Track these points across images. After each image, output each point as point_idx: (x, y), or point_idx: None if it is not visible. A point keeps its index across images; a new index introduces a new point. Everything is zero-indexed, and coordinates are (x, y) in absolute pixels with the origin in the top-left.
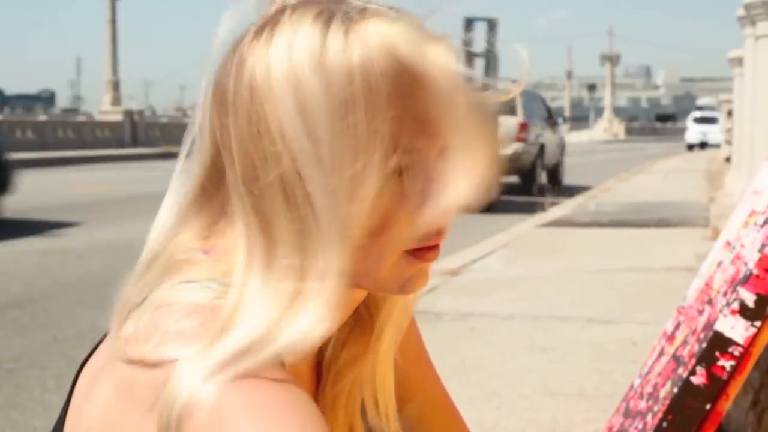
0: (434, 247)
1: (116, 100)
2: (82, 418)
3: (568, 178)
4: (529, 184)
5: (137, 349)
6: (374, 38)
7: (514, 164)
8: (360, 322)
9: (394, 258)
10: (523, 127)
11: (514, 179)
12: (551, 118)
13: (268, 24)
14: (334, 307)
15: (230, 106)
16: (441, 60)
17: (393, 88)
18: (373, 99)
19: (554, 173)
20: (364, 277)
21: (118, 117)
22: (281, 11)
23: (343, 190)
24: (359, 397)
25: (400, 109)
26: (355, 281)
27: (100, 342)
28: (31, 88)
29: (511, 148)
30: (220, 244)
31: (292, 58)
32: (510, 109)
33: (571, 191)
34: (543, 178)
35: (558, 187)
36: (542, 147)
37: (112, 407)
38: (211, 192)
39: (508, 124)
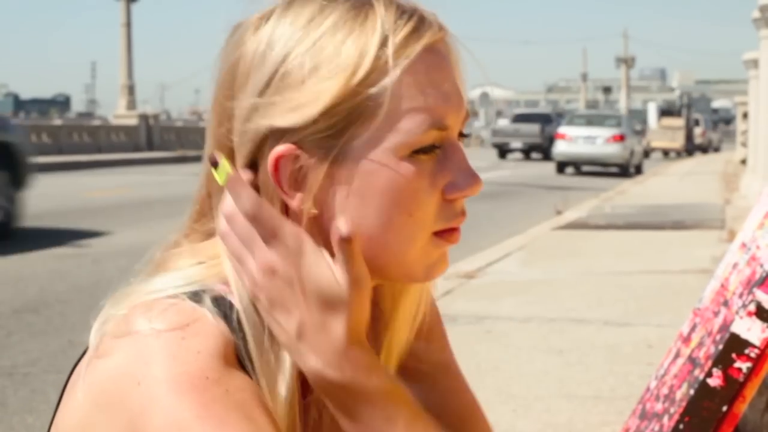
0: (457, 229)
1: (131, 104)
2: (63, 420)
3: (583, 183)
4: (625, 170)
5: (109, 352)
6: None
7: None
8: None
9: (424, 239)
10: (620, 137)
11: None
12: (640, 131)
13: (276, 9)
14: None
15: (235, 82)
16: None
17: (421, 66)
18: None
19: (638, 165)
20: (392, 261)
21: (133, 121)
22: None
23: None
24: None
25: (429, 87)
26: (380, 268)
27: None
28: (46, 92)
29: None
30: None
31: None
32: (616, 121)
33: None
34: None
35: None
36: (632, 151)
37: (86, 411)
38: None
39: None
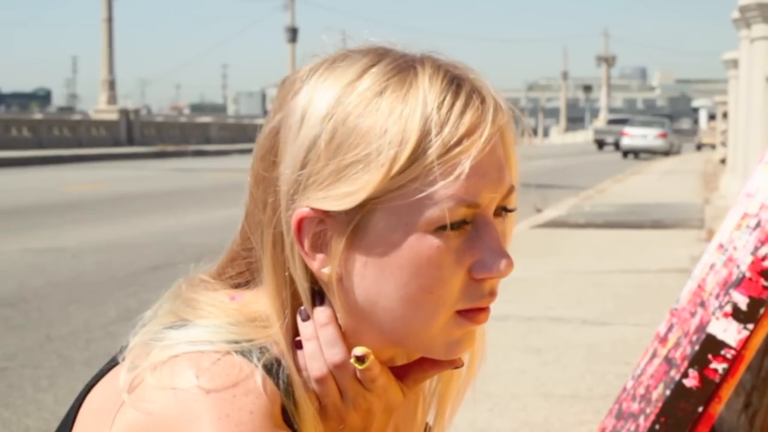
0: (485, 309)
1: (112, 99)
2: None
3: (563, 180)
4: (667, 154)
5: (153, 399)
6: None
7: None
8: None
9: (446, 318)
10: (664, 134)
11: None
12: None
13: (324, 64)
14: None
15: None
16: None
17: (456, 136)
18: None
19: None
20: (411, 336)
21: (113, 116)
22: (339, 57)
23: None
24: None
25: (457, 160)
26: (399, 341)
27: (107, 366)
28: (26, 86)
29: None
30: (247, 294)
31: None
32: (660, 123)
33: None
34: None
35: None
36: (672, 143)
37: None
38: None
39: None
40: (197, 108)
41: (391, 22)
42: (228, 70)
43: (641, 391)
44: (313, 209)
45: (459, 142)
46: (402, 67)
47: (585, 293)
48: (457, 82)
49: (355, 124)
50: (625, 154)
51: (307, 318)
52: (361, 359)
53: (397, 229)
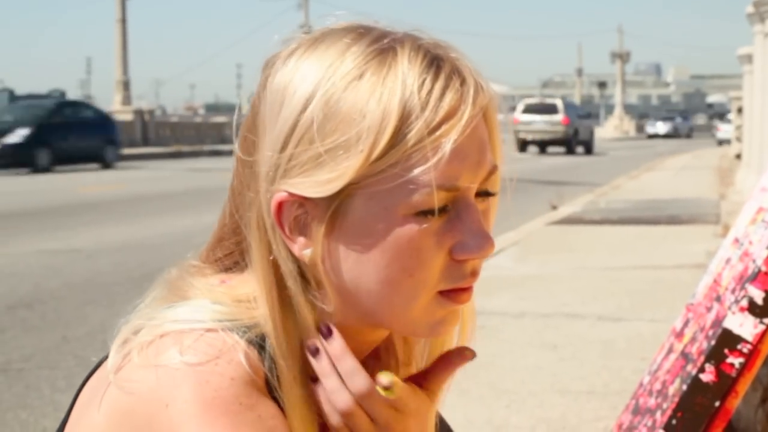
0: (468, 289)
1: (126, 100)
2: (78, 431)
3: (578, 177)
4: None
5: (137, 378)
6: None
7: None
8: (379, 363)
9: (428, 299)
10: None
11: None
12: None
13: (303, 45)
14: None
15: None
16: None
17: (436, 120)
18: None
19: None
20: (394, 317)
21: (128, 116)
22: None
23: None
24: None
25: (437, 144)
26: (383, 322)
27: (104, 358)
28: (41, 87)
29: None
30: (237, 277)
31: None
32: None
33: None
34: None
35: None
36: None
37: (106, 428)
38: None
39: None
40: (212, 108)
41: (405, 21)
42: (242, 69)
43: (658, 386)
44: (291, 194)
45: (439, 126)
46: (382, 48)
47: (601, 289)
48: (437, 63)
49: (334, 109)
50: (523, 147)
51: (316, 352)
52: (388, 387)
53: (376, 214)
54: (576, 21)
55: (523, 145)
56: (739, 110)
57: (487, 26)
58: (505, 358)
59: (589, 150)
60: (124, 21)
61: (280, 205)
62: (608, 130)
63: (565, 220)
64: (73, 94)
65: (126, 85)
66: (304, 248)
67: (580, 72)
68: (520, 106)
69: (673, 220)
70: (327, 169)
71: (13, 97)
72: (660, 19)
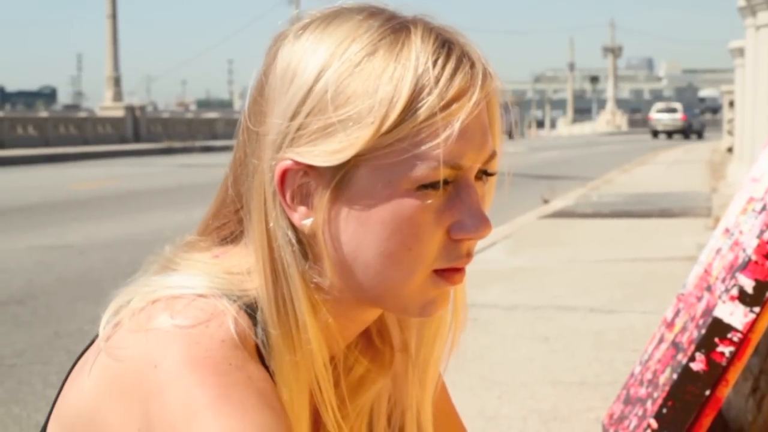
0: (461, 270)
1: (118, 96)
2: (68, 405)
3: (571, 171)
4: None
5: (127, 343)
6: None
7: (679, 129)
8: (372, 347)
9: (423, 276)
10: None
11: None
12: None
13: (316, 20)
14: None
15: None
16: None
17: (447, 98)
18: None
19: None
20: (388, 293)
21: (119, 113)
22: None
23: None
24: (384, 419)
25: (446, 122)
26: (376, 298)
27: (96, 337)
28: (32, 84)
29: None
30: (231, 251)
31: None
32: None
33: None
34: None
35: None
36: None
37: (96, 396)
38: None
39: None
40: (203, 104)
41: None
42: (234, 65)
43: (649, 375)
44: (297, 162)
45: (449, 104)
46: (395, 27)
47: (593, 282)
48: (448, 45)
49: (348, 81)
50: (655, 135)
51: None
52: None
53: (380, 186)
54: (568, 15)
55: (655, 134)
56: (731, 104)
57: (479, 20)
58: (496, 350)
59: (700, 136)
60: (114, 17)
61: (285, 173)
62: (600, 125)
63: (558, 214)
64: (64, 90)
65: (117, 81)
66: (304, 218)
67: (572, 66)
68: (654, 108)
69: (664, 214)
70: (336, 139)
71: (3, 94)
72: (652, 13)
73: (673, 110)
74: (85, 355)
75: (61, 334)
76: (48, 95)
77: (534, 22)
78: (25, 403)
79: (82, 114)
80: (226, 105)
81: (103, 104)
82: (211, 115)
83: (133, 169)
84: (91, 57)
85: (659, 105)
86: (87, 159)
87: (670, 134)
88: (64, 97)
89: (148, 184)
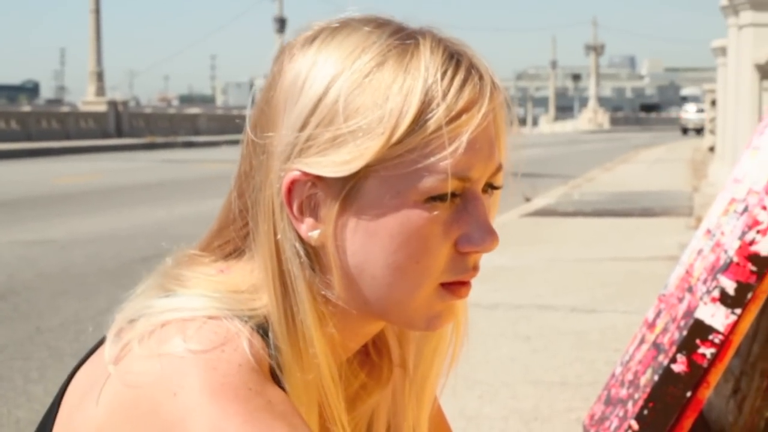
0: (467, 284)
1: (100, 91)
2: (74, 425)
3: (552, 169)
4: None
5: (140, 369)
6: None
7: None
8: (369, 361)
9: (430, 289)
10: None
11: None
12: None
13: (324, 32)
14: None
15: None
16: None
17: (456, 109)
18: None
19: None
20: (395, 306)
21: (102, 107)
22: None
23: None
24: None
25: (455, 133)
26: (383, 311)
27: (95, 347)
28: (14, 78)
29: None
30: (236, 266)
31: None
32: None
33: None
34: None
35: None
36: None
37: (107, 423)
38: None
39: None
40: (186, 99)
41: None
42: (216, 60)
43: (630, 376)
44: (305, 173)
45: (458, 116)
46: (403, 38)
47: (574, 281)
48: (457, 57)
49: (357, 92)
50: (684, 131)
51: None
52: None
53: (389, 197)
54: (550, 13)
55: (684, 131)
56: (713, 103)
57: (461, 18)
58: (477, 350)
59: None
60: (98, 11)
61: (292, 184)
62: (582, 123)
63: (539, 212)
64: (46, 85)
65: (100, 76)
66: (311, 229)
67: (554, 64)
68: (684, 108)
69: (646, 213)
70: (346, 149)
71: None
72: (634, 11)
73: (701, 110)
74: (81, 378)
75: (42, 329)
76: (31, 89)
77: (516, 19)
78: (5, 399)
79: (65, 109)
80: (208, 100)
81: (86, 99)
82: (194, 110)
83: (116, 164)
84: (74, 52)
85: (689, 106)
86: (69, 154)
87: (698, 131)
88: (46, 92)
89: (131, 179)
